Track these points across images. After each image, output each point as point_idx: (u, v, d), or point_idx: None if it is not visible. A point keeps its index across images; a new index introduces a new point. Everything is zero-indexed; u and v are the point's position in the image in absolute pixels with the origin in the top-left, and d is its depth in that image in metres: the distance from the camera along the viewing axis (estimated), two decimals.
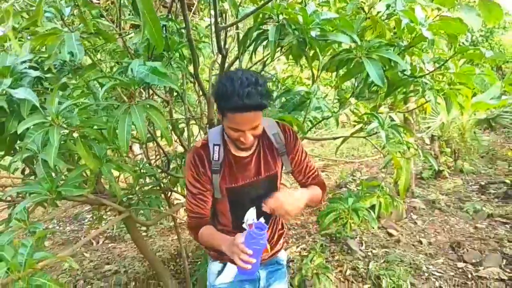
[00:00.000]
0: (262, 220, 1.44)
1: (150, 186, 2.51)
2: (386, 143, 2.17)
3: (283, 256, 1.73)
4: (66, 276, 3.50)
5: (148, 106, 1.49)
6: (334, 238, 3.86)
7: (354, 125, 3.04)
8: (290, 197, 1.28)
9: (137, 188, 2.46)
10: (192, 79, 2.52)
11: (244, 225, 1.28)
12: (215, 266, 1.62)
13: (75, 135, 1.61)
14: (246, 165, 1.44)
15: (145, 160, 2.59)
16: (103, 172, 1.72)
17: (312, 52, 1.80)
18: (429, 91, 2.20)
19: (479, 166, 6.03)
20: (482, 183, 5.32)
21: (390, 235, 3.95)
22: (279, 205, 1.25)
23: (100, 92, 1.53)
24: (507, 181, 5.02)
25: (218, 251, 1.54)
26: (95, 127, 1.64)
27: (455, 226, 4.09)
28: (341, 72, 1.97)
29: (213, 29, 1.91)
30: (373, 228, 3.07)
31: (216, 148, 1.41)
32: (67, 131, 1.56)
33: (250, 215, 1.30)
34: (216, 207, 1.56)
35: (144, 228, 4.36)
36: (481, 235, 3.82)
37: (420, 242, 3.76)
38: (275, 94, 2.45)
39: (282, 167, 1.54)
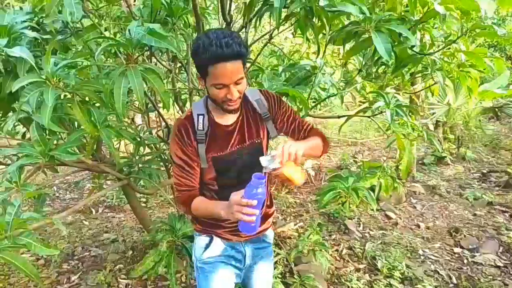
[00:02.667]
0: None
1: (151, 156, 2.49)
2: (391, 123, 2.13)
3: (270, 235, 1.71)
4: (65, 242, 3.53)
5: (145, 69, 1.46)
6: (332, 218, 3.86)
7: (360, 105, 3.00)
8: (292, 144, 1.24)
9: (137, 157, 2.45)
10: None
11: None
12: (201, 239, 1.59)
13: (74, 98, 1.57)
14: (230, 133, 1.43)
15: (145, 128, 2.56)
16: (102, 138, 1.69)
17: (319, 23, 1.74)
18: (438, 72, 2.15)
19: (482, 154, 5.98)
20: (484, 171, 5.29)
21: (388, 217, 3.95)
22: (287, 149, 1.20)
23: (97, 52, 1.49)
24: (509, 170, 4.98)
25: (203, 224, 1.55)
26: (94, 90, 1.61)
27: (454, 212, 4.08)
28: (348, 46, 1.92)
29: None
30: (372, 209, 3.06)
31: (201, 117, 1.39)
32: (63, 92, 1.53)
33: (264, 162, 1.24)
34: (202, 180, 1.51)
35: (143, 200, 4.38)
36: (480, 222, 3.81)
37: (418, 226, 3.76)
38: (280, 69, 2.40)
39: (268, 136, 1.51)
